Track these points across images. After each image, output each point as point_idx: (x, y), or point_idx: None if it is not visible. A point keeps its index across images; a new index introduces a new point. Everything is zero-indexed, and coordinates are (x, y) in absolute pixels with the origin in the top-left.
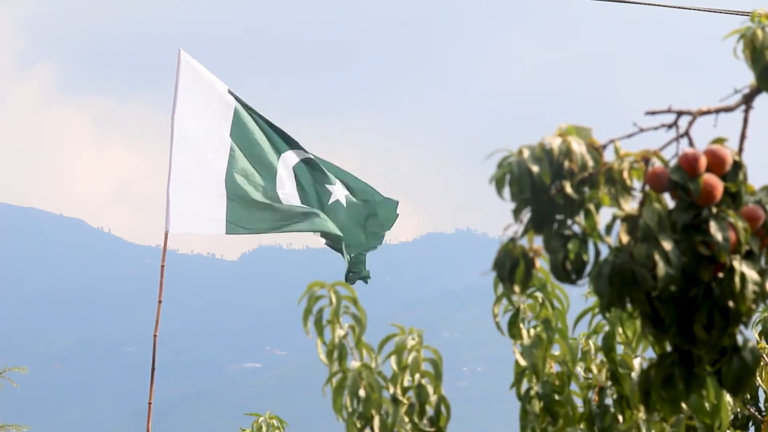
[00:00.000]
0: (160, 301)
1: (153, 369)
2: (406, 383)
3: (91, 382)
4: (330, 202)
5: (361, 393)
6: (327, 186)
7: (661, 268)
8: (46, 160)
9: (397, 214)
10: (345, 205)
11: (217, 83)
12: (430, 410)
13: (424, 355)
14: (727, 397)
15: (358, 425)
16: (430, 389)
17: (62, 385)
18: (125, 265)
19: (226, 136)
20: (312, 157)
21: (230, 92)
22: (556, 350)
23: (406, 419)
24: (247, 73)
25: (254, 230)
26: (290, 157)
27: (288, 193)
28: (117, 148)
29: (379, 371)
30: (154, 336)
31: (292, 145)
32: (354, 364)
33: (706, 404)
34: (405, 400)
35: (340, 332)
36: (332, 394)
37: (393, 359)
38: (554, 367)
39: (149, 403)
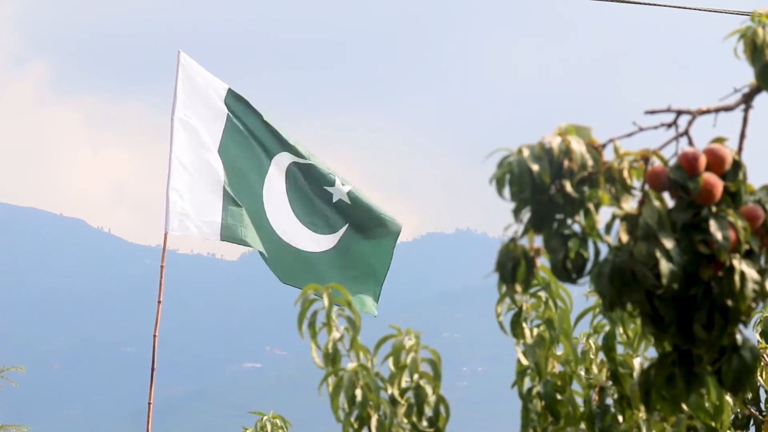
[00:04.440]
0: (159, 301)
1: (153, 369)
2: (404, 384)
3: (90, 382)
4: (334, 201)
5: (358, 393)
6: (326, 188)
7: (664, 265)
8: (44, 160)
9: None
10: (349, 202)
11: (215, 86)
12: (429, 411)
13: (423, 356)
14: (727, 397)
15: (355, 426)
16: (428, 389)
17: (62, 385)
18: (125, 265)
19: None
20: (305, 162)
21: (230, 91)
22: (559, 350)
23: (405, 420)
24: (244, 72)
25: (247, 243)
26: (284, 159)
27: (273, 207)
28: (115, 147)
29: (376, 372)
30: (154, 336)
31: (286, 147)
32: (350, 365)
33: (707, 405)
34: (403, 401)
35: (335, 335)
36: (329, 395)
37: (390, 360)
38: (557, 367)
39: (149, 403)
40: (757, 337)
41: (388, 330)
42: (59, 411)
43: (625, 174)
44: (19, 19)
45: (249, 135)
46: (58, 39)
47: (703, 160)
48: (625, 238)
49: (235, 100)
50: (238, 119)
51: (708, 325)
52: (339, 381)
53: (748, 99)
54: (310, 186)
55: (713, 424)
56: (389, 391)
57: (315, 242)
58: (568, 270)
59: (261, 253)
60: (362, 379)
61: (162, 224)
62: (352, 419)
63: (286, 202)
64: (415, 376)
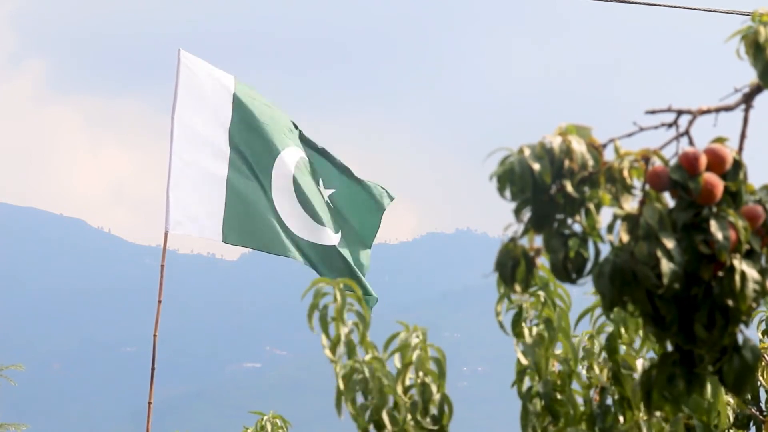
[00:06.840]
0: (160, 301)
1: (153, 369)
2: (408, 381)
3: (90, 382)
4: (324, 200)
5: (372, 385)
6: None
7: (665, 265)
8: (44, 160)
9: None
10: (333, 205)
11: (222, 82)
12: (433, 408)
13: (429, 354)
14: (728, 397)
15: (371, 418)
16: (433, 387)
17: (62, 385)
18: (125, 265)
19: (226, 140)
20: (305, 157)
21: (237, 85)
22: (558, 349)
23: (409, 417)
24: (243, 72)
25: (249, 245)
26: (292, 154)
27: (285, 200)
28: (115, 146)
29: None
30: (154, 336)
31: (290, 143)
32: (366, 357)
33: (704, 403)
34: (407, 399)
35: (344, 329)
36: (342, 386)
37: (396, 357)
38: (556, 366)
39: (149, 403)
40: (760, 336)
41: (388, 329)
42: (59, 410)
43: (626, 174)
44: (16, 18)
45: (256, 131)
46: (56, 38)
47: (703, 160)
48: (625, 238)
49: (243, 95)
50: (244, 116)
51: (709, 325)
52: (351, 372)
53: (748, 99)
54: (316, 180)
55: (708, 421)
56: (394, 388)
57: (326, 235)
58: (568, 270)
59: (303, 254)
60: (378, 371)
61: (162, 224)
62: (367, 412)
63: (294, 197)
64: (420, 374)
